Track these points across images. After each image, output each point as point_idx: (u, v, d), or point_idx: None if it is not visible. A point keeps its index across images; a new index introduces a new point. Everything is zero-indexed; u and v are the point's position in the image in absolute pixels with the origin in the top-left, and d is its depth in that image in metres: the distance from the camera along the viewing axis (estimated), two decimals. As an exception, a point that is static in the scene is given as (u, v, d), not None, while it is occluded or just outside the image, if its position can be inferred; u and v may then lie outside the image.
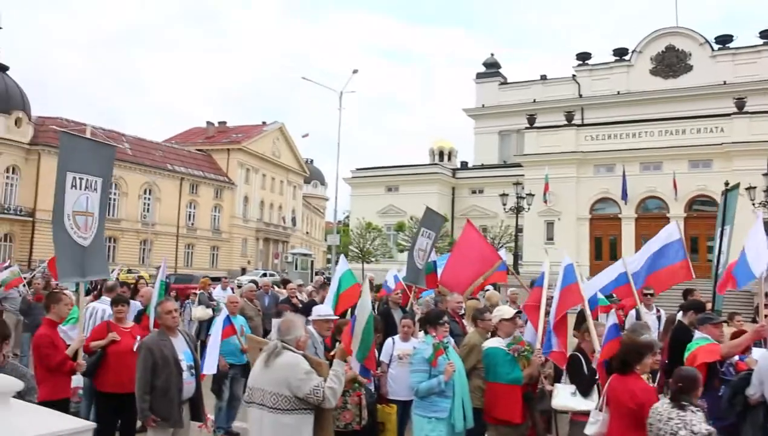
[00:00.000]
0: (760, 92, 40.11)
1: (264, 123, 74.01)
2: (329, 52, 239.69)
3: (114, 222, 52.04)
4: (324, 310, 6.46)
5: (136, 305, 8.45)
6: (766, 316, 6.33)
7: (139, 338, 6.06)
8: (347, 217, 58.59)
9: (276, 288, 13.54)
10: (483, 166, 48.26)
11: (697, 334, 5.70)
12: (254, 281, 12.42)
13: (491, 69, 53.56)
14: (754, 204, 25.83)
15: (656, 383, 6.04)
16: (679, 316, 6.99)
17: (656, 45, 46.13)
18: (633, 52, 46.90)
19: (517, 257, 32.65)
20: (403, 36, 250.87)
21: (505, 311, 6.17)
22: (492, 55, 54.43)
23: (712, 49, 44.52)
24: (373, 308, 6.81)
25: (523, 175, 36.67)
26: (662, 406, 3.97)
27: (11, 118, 47.18)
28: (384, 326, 7.16)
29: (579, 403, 5.24)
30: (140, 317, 7.78)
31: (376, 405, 6.10)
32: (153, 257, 52.93)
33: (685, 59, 45.07)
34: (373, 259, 40.33)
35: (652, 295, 8.63)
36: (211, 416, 7.02)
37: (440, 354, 5.36)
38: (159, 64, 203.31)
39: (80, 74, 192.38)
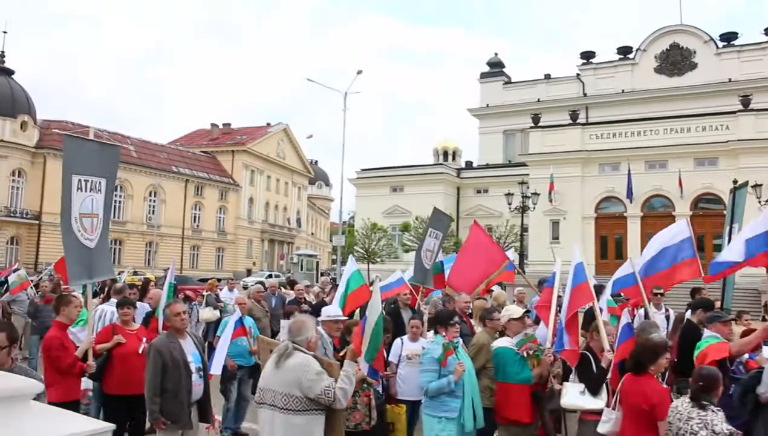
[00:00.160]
0: (765, 89, 39.85)
1: (268, 124, 74.12)
2: (334, 55, 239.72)
3: (119, 224, 52.20)
4: (333, 311, 6.47)
5: (144, 306, 8.48)
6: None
7: (144, 340, 6.08)
8: (352, 217, 58.57)
9: (283, 290, 13.56)
10: (488, 166, 48.17)
11: (706, 332, 5.68)
12: (261, 283, 12.44)
13: (495, 68, 53.45)
14: (760, 202, 25.72)
15: (665, 382, 6.03)
16: (688, 314, 6.97)
17: (660, 43, 45.93)
18: (637, 50, 46.72)
19: (522, 256, 32.57)
20: (407, 36, 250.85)
21: (514, 310, 6.18)
22: (496, 54, 54.37)
23: (717, 47, 44.31)
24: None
25: (527, 174, 36.56)
26: (682, 405, 3.94)
27: (17, 122, 47.39)
28: (393, 326, 7.16)
29: (588, 402, 5.23)
30: (149, 319, 7.80)
31: (385, 405, 6.11)
32: (159, 259, 53.11)
33: (689, 57, 44.88)
34: (378, 259, 40.32)
35: (662, 294, 8.61)
36: (218, 417, 7.03)
37: (450, 354, 5.36)
38: (167, 69, 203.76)
39: (84, 76, 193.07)
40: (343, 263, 35.20)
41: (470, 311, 8.23)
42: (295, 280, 18.13)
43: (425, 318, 7.07)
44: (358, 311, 8.18)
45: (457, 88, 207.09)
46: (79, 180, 5.76)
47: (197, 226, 61.78)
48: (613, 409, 4.47)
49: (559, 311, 5.98)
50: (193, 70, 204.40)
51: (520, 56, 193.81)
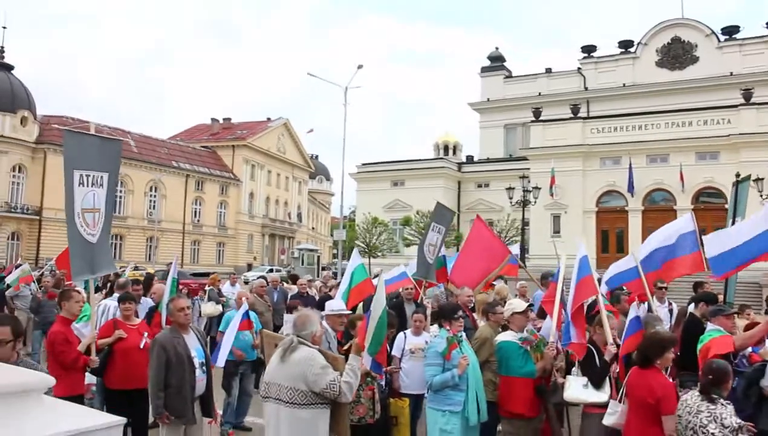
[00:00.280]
0: (767, 83, 39.83)
1: (269, 119, 73.97)
2: (334, 55, 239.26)
3: (120, 220, 52.17)
4: (337, 305, 6.48)
5: (147, 301, 8.49)
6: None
7: (146, 334, 6.08)
8: (353, 212, 58.58)
9: (285, 284, 13.57)
10: (489, 160, 48.12)
11: (710, 326, 5.68)
12: (263, 277, 12.44)
13: (496, 63, 53.35)
14: (761, 196, 25.69)
15: (668, 374, 6.03)
16: (691, 308, 6.97)
17: (662, 37, 45.81)
18: (638, 44, 46.60)
19: (523, 250, 32.56)
20: (407, 36, 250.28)
21: (517, 304, 6.18)
22: (497, 48, 54.25)
23: (719, 41, 44.17)
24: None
25: (529, 168, 36.54)
26: (691, 398, 3.94)
27: (17, 118, 47.34)
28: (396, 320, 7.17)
29: (591, 395, 5.24)
30: (152, 314, 7.81)
31: (388, 399, 6.12)
32: (159, 254, 53.12)
33: (691, 51, 44.76)
34: (379, 254, 40.35)
35: (666, 288, 8.60)
36: (219, 412, 7.04)
37: (454, 348, 5.37)
38: (167, 69, 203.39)
39: (84, 76, 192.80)
40: (344, 257, 35.31)
41: (473, 305, 8.24)
42: (297, 274, 18.14)
43: (428, 312, 7.08)
44: (361, 304, 8.20)
45: (457, 86, 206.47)
46: (81, 175, 5.73)
47: (198, 221, 61.80)
48: (620, 402, 4.47)
49: (564, 306, 5.99)
50: (193, 69, 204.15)
51: (520, 56, 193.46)
